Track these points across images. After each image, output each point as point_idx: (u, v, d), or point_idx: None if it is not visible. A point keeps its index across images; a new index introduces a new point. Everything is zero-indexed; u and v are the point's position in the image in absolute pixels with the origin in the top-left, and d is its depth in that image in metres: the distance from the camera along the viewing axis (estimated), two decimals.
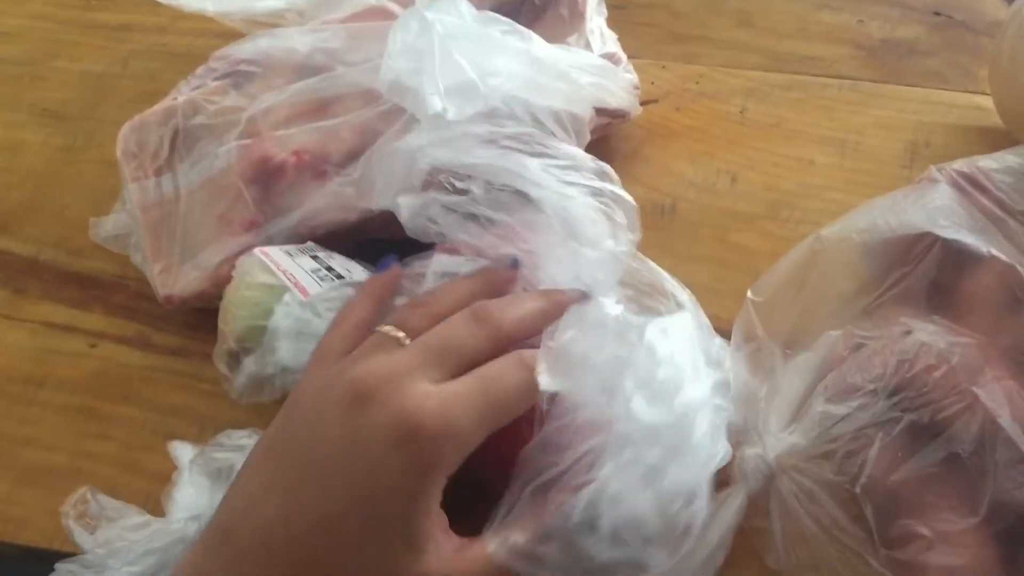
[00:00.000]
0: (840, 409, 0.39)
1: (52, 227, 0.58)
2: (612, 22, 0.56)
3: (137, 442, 0.50)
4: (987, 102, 0.56)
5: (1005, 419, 0.38)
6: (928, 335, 0.40)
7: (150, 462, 0.49)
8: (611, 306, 0.42)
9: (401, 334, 0.40)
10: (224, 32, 0.64)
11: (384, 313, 0.43)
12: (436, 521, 0.37)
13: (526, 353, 0.40)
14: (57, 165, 0.60)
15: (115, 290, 0.55)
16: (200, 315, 0.54)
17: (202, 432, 0.50)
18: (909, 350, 0.39)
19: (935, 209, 0.43)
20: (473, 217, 0.43)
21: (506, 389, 0.38)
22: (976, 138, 0.57)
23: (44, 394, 0.52)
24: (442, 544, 0.37)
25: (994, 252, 0.41)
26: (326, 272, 0.45)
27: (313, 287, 0.44)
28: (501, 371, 0.39)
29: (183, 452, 0.43)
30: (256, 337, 0.43)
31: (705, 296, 0.51)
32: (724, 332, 0.46)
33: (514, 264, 0.43)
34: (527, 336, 0.41)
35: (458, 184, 0.43)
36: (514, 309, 0.41)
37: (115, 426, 0.51)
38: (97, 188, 0.58)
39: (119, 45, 0.64)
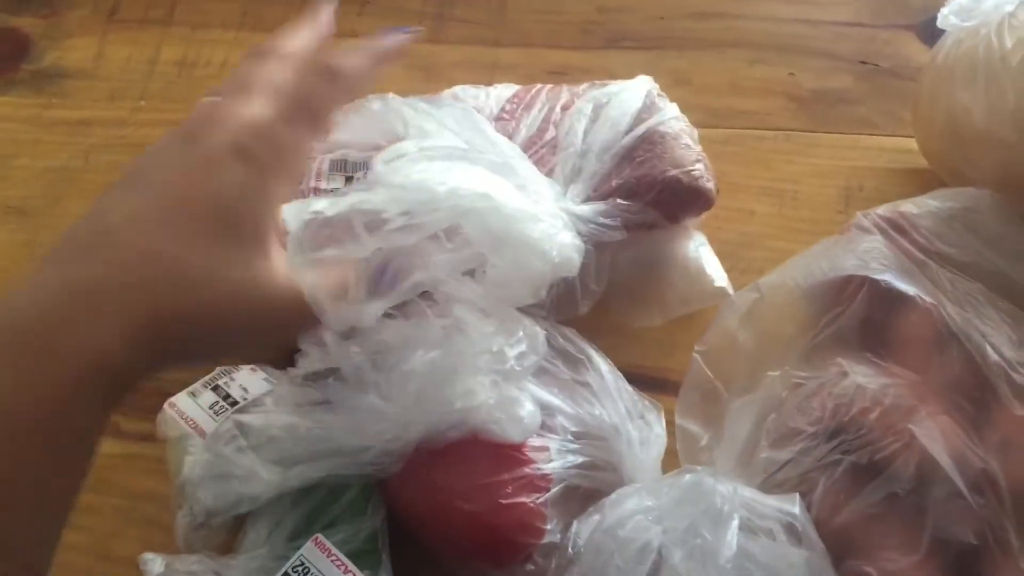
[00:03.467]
0: (783, 455, 0.41)
1: None
2: (555, 81, 0.58)
3: (110, 530, 0.51)
4: (915, 144, 0.59)
5: (940, 455, 0.39)
6: (863, 376, 0.42)
7: (124, 549, 0.50)
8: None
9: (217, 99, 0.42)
10: (180, 121, 0.66)
11: None
12: (276, 230, 0.40)
13: (319, 64, 0.43)
14: (22, 261, 0.61)
15: None
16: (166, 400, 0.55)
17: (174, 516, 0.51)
18: (846, 393, 0.41)
19: (864, 252, 0.45)
20: None
21: (321, 98, 0.42)
22: (907, 179, 0.59)
23: None
24: (281, 253, 0.40)
25: (918, 293, 0.43)
26: (223, 402, 0.47)
27: (209, 426, 0.46)
28: (309, 88, 0.42)
29: (153, 566, 0.44)
30: (183, 493, 0.45)
31: (655, 351, 0.53)
32: (675, 385, 0.47)
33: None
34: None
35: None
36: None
37: (88, 516, 0.51)
38: None
39: (80, 140, 0.66)
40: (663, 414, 0.48)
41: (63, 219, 0.62)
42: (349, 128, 0.54)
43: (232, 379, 0.50)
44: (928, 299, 0.42)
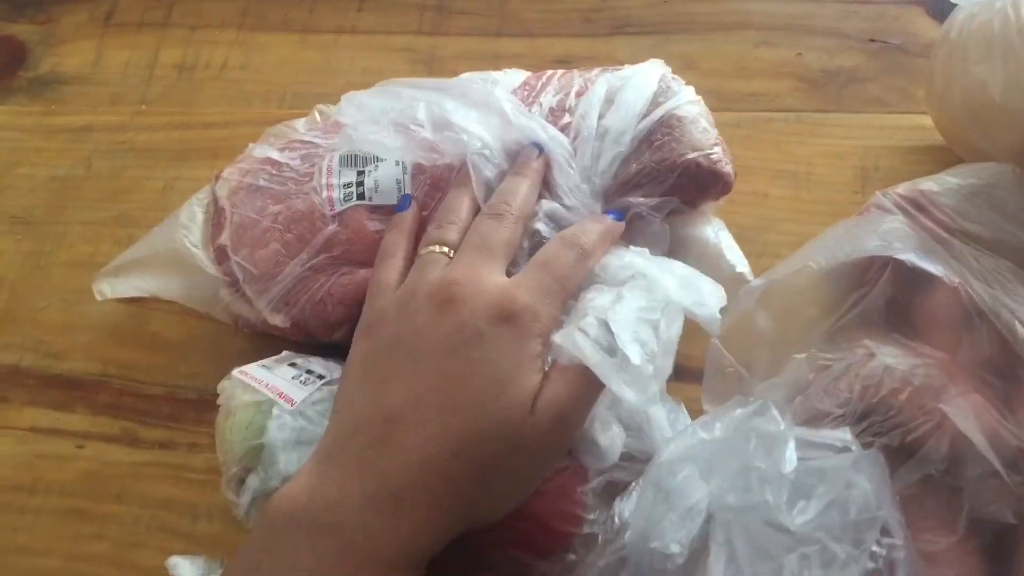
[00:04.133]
0: None
1: (30, 332, 0.58)
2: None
3: (131, 539, 0.51)
4: (929, 121, 0.58)
5: (974, 434, 0.39)
6: (891, 357, 0.41)
7: (145, 559, 0.50)
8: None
9: (446, 248, 0.46)
10: (183, 124, 0.65)
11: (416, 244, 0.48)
12: (534, 384, 0.41)
13: (564, 234, 0.46)
14: (28, 270, 0.60)
15: (98, 389, 0.56)
16: (183, 406, 0.54)
17: (195, 523, 0.51)
18: (874, 375, 0.41)
19: (886, 232, 0.44)
20: None
21: (563, 267, 0.44)
22: (922, 157, 0.58)
23: (35, 500, 0.53)
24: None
25: (944, 272, 0.42)
26: (307, 375, 0.46)
27: (298, 394, 0.45)
28: (554, 254, 0.45)
29: (183, 570, 0.44)
30: (256, 456, 0.44)
31: None
32: (695, 372, 0.47)
33: (539, 148, 0.49)
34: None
35: None
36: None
37: (108, 525, 0.51)
38: (69, 289, 0.59)
39: (81, 146, 0.65)
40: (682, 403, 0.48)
41: (68, 227, 0.62)
42: (355, 118, 0.53)
43: (308, 360, 0.49)
44: (954, 278, 0.42)
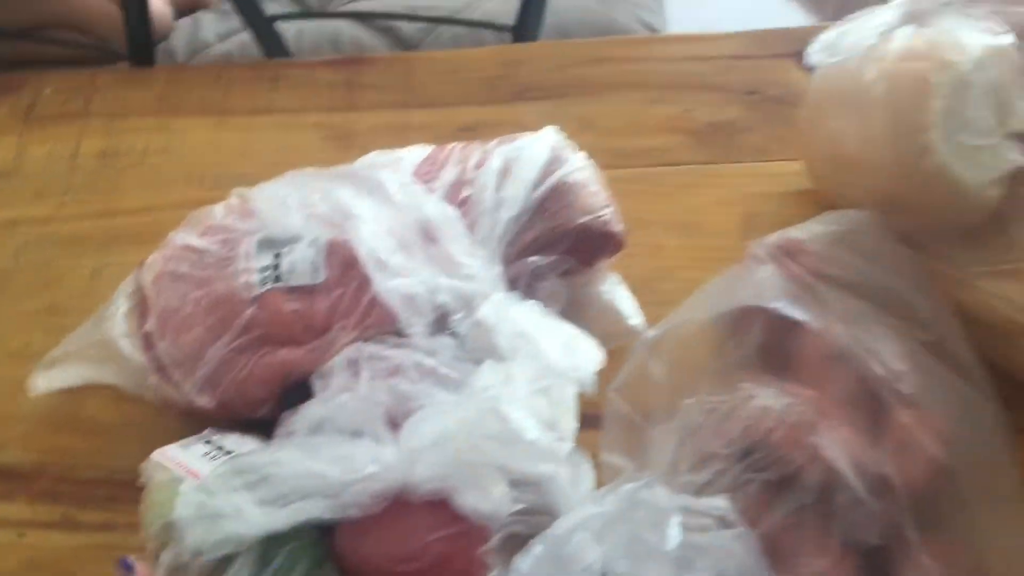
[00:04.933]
0: (701, 477, 0.44)
1: None
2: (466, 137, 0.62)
3: None
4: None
5: (842, 464, 0.43)
6: (767, 399, 0.45)
7: None
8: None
9: None
10: (108, 212, 0.68)
11: None
12: None
13: None
14: None
15: (36, 477, 0.58)
16: (120, 488, 0.56)
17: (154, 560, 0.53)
18: (753, 415, 0.45)
19: (759, 282, 0.49)
20: None
21: None
22: (801, 201, 0.63)
23: None
24: None
25: (809, 317, 0.46)
26: (217, 451, 0.49)
27: (205, 469, 0.47)
28: None
29: None
30: (168, 532, 0.47)
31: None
32: (597, 419, 0.50)
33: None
34: None
35: None
36: None
37: None
38: (4, 380, 0.61)
39: (8, 240, 0.67)
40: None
41: None
42: (269, 204, 0.56)
43: (223, 436, 0.51)
44: (818, 322, 0.46)
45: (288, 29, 1.08)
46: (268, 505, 0.45)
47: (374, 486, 0.45)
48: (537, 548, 0.42)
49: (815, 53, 0.54)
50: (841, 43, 0.53)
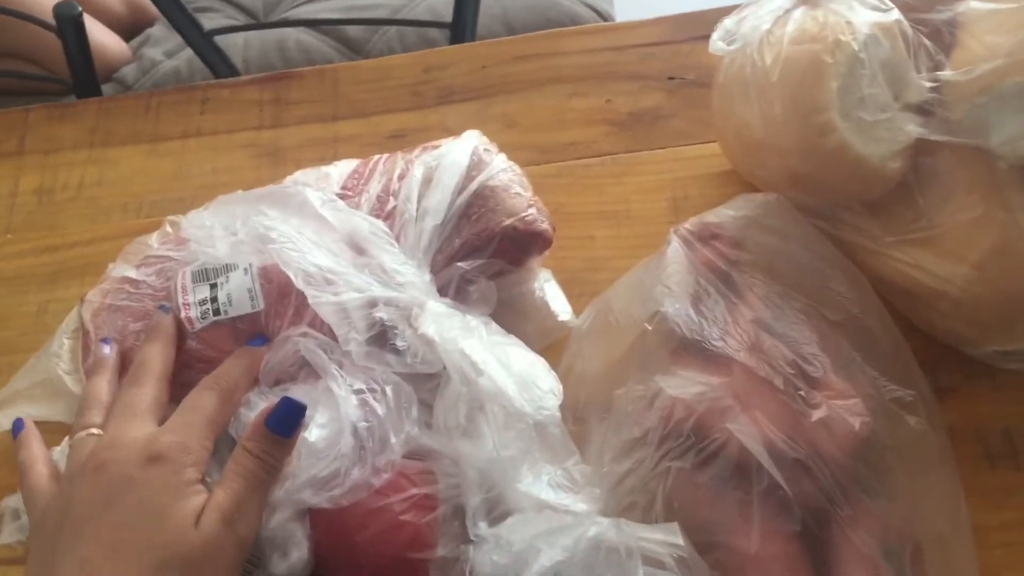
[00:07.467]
0: (623, 467, 0.46)
1: None
2: (394, 145, 0.62)
3: None
4: None
5: (756, 448, 0.44)
6: (676, 388, 0.47)
7: None
8: None
9: (92, 430, 0.50)
10: (50, 247, 0.69)
11: None
12: (196, 505, 0.46)
13: (208, 377, 0.51)
14: None
15: None
16: None
17: None
18: (666, 405, 0.46)
19: (667, 277, 0.50)
20: None
21: (206, 407, 0.49)
22: (726, 181, 0.65)
23: None
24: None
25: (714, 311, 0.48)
26: None
27: None
28: (197, 397, 0.50)
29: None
30: None
31: None
32: None
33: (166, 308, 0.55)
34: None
35: None
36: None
37: None
38: None
39: None
40: None
41: None
42: (197, 233, 0.57)
43: None
44: (732, 309, 0.48)
45: (235, 41, 1.08)
46: None
47: None
48: (493, 557, 0.44)
49: (717, 40, 0.55)
50: (740, 29, 0.54)
